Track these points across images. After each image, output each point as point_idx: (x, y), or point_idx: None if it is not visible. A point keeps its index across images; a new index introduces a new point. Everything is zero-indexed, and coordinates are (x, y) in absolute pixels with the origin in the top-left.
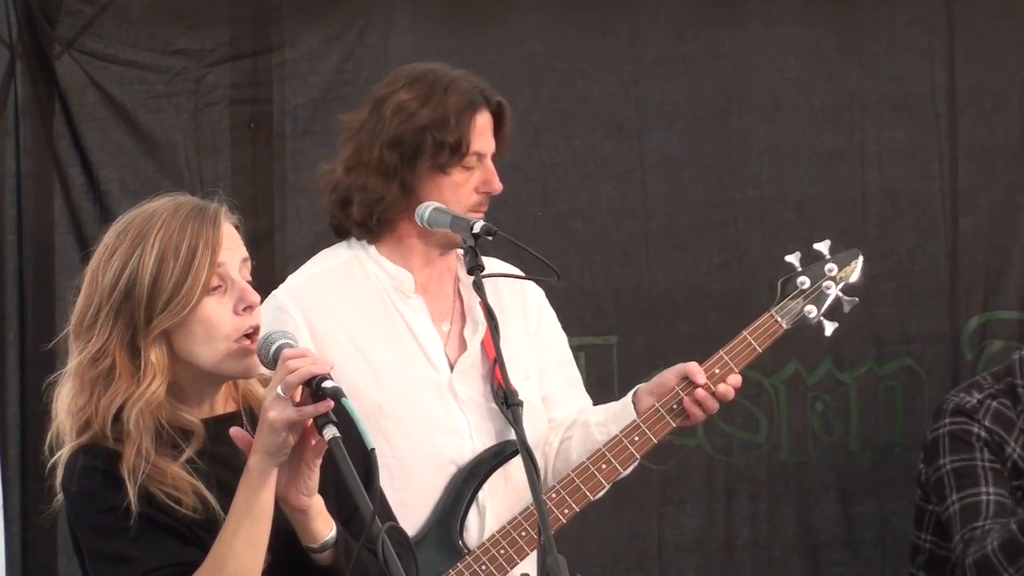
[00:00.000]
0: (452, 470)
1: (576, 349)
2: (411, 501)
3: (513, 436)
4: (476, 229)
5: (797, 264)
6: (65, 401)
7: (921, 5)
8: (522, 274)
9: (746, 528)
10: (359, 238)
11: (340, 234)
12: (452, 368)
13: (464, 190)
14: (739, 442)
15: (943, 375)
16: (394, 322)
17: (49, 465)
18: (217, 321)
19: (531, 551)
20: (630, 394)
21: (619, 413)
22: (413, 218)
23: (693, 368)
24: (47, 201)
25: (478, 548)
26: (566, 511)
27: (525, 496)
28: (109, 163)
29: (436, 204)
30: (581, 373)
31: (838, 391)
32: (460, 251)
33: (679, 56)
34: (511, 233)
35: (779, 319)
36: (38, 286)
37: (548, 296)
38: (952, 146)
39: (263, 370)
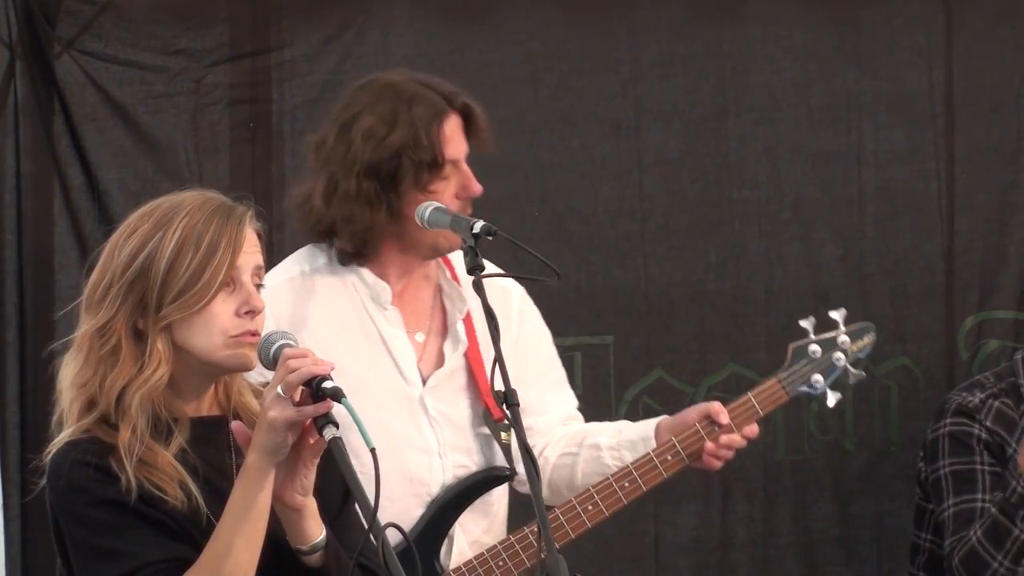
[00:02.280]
0: (420, 488)
1: (572, 348)
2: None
3: (497, 462)
4: (476, 229)
5: (811, 330)
6: (70, 375)
7: (920, 5)
8: (521, 275)
9: (742, 527)
10: (346, 264)
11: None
12: (424, 382)
13: (444, 200)
14: None
15: (939, 375)
16: (368, 333)
17: (46, 451)
18: (218, 317)
19: None
20: (650, 425)
21: (636, 443)
22: (397, 237)
23: (717, 408)
24: (47, 201)
25: (453, 570)
26: (560, 535)
27: (497, 520)
28: (108, 163)
29: (436, 204)
30: (577, 373)
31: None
32: (444, 258)
33: (677, 56)
34: (507, 233)
35: (785, 387)
36: (38, 286)
37: (544, 296)
38: (949, 146)
39: (259, 367)
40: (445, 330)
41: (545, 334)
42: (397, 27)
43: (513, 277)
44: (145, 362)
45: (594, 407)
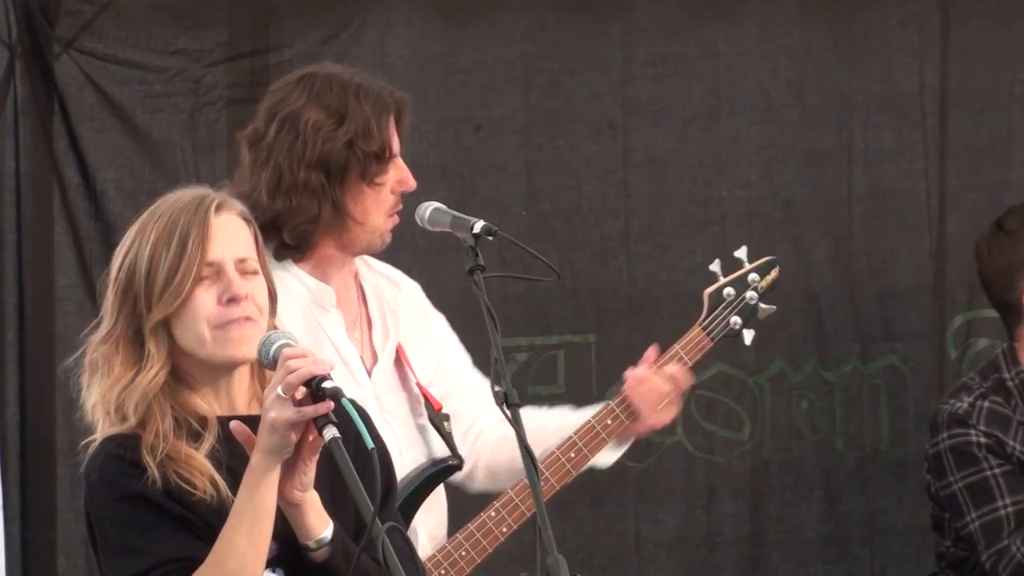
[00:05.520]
0: None
1: (555, 347)
2: None
3: (437, 453)
4: (476, 229)
5: (720, 273)
6: (94, 397)
7: (915, 6)
8: (515, 274)
9: (728, 526)
10: (281, 259)
11: None
12: (371, 378)
13: (384, 195)
14: (721, 440)
15: (928, 374)
16: (317, 337)
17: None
18: (200, 308)
19: (470, 570)
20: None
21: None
22: (335, 233)
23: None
24: (46, 201)
25: None
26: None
27: (444, 511)
28: (106, 163)
29: (436, 204)
30: (559, 371)
31: (823, 389)
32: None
33: (670, 56)
34: None
35: (709, 333)
36: (37, 286)
37: (528, 294)
38: (940, 145)
39: (253, 356)
40: (370, 320)
41: (442, 318)
42: (394, 27)
43: (512, 277)
44: (142, 365)
45: (576, 406)
